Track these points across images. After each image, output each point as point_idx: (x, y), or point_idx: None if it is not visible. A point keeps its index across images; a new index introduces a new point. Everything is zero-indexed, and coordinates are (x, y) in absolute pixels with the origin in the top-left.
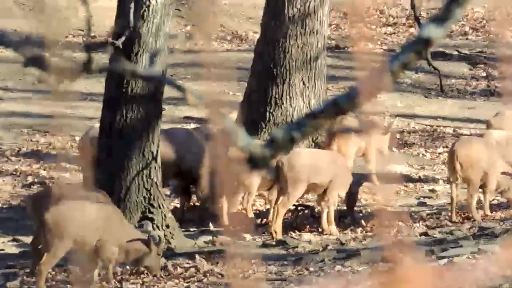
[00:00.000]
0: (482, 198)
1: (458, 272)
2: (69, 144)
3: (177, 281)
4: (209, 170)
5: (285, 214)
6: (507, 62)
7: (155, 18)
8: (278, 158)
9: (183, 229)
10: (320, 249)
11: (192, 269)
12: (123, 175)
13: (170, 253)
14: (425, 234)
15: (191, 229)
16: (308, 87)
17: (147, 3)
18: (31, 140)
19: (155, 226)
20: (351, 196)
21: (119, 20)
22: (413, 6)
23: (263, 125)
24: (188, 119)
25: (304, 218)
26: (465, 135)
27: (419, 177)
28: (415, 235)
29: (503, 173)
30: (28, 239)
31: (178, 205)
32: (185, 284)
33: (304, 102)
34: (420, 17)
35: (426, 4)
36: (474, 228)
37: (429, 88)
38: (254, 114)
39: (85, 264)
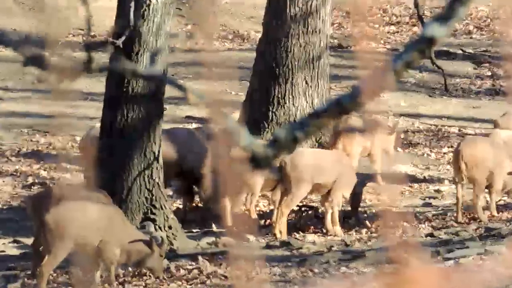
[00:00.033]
0: (488, 199)
1: (464, 273)
2: (70, 144)
3: (180, 283)
4: (212, 170)
5: (288, 215)
6: None
7: (155, 17)
8: (281, 158)
9: (185, 230)
10: (325, 250)
11: (195, 271)
12: (125, 175)
13: (172, 255)
14: (431, 235)
15: (194, 230)
16: (311, 86)
17: (148, 2)
18: (31, 140)
19: (157, 227)
20: (356, 197)
21: (119, 19)
22: (416, 5)
23: (266, 125)
24: (189, 118)
25: (308, 219)
26: (470, 134)
27: (424, 177)
28: (420, 236)
29: (510, 173)
30: (28, 241)
31: (181, 206)
32: (188, 286)
33: (307, 102)
34: (423, 16)
35: (429, 3)
36: (480, 229)
37: (433, 87)
38: (256, 113)
39: (86, 265)
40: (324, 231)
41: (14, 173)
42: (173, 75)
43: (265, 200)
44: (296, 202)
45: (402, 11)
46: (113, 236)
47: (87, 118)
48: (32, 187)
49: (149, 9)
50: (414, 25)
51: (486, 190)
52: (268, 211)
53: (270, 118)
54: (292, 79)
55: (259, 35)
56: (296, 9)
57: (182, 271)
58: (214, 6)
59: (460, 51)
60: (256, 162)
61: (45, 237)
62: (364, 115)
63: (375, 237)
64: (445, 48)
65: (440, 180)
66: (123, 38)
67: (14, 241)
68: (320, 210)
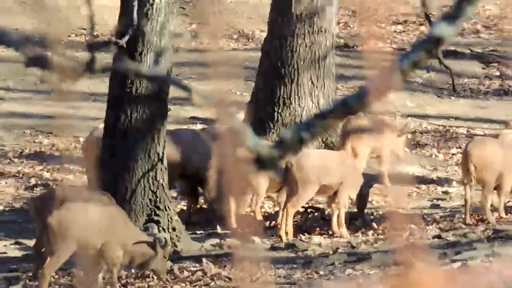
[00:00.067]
0: (496, 200)
1: (472, 276)
2: (73, 145)
3: (184, 285)
4: (217, 171)
5: (294, 216)
6: None
7: (159, 17)
8: (287, 159)
9: (189, 232)
10: (330, 252)
11: (199, 273)
12: (128, 176)
13: (176, 257)
14: (438, 236)
15: (198, 232)
16: (317, 86)
17: (151, 1)
18: (34, 141)
19: (161, 228)
20: (362, 198)
21: (123, 18)
22: (423, 4)
23: (271, 126)
24: (194, 119)
25: (314, 221)
26: (478, 135)
27: (432, 178)
28: (428, 238)
29: None
30: (31, 242)
31: (185, 207)
32: None
33: (313, 102)
34: (431, 15)
35: (437, 2)
36: (488, 230)
37: (441, 87)
38: (261, 114)
39: (89, 267)
40: (330, 233)
41: (17, 175)
42: (177, 75)
43: (270, 201)
44: (302, 203)
45: (409, 10)
46: (116, 237)
47: (90, 119)
48: (35, 188)
49: (152, 8)
50: (421, 25)
51: (495, 192)
52: (273, 212)
53: (276, 118)
54: (298, 79)
55: (264, 35)
56: (301, 8)
57: (186, 273)
58: (219, 5)
59: (468, 51)
60: (262, 163)
61: (47, 239)
62: (372, 115)
63: (381, 239)
64: (452, 48)
65: (448, 182)
66: (127, 37)
67: (16, 243)
68: (326, 212)
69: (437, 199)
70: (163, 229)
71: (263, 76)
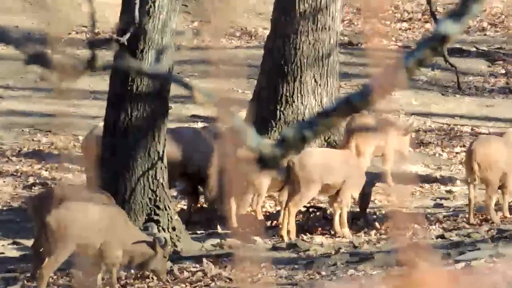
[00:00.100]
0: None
1: (475, 276)
2: (72, 144)
3: (184, 285)
4: (218, 170)
5: (296, 216)
6: None
7: (161, 14)
8: (289, 158)
9: (190, 232)
10: (333, 252)
11: (199, 273)
12: (128, 175)
13: (176, 257)
14: (442, 236)
15: (198, 232)
16: (320, 84)
17: None
18: (33, 140)
19: (160, 228)
20: (364, 197)
21: (124, 16)
22: (429, 1)
23: (274, 124)
24: (195, 117)
25: (315, 220)
26: (483, 134)
27: (436, 177)
28: (431, 237)
29: None
30: (29, 242)
31: (185, 207)
32: None
33: (316, 100)
34: (436, 12)
35: None
36: (492, 230)
37: (445, 85)
38: (264, 112)
39: (88, 268)
40: (332, 232)
41: (15, 173)
42: (179, 73)
43: (271, 201)
44: (304, 202)
45: (414, 7)
46: (116, 237)
47: (90, 117)
48: (33, 187)
49: (154, 5)
50: (426, 22)
51: (499, 191)
52: (274, 212)
53: (278, 117)
54: (301, 77)
55: (267, 32)
56: (305, 5)
57: (186, 274)
58: (221, 2)
59: (474, 49)
60: (264, 162)
61: (46, 239)
62: (377, 114)
63: (384, 239)
64: (458, 46)
65: (452, 181)
66: (128, 35)
67: (14, 243)
68: (328, 211)
69: (441, 199)
70: (163, 229)
71: (265, 74)
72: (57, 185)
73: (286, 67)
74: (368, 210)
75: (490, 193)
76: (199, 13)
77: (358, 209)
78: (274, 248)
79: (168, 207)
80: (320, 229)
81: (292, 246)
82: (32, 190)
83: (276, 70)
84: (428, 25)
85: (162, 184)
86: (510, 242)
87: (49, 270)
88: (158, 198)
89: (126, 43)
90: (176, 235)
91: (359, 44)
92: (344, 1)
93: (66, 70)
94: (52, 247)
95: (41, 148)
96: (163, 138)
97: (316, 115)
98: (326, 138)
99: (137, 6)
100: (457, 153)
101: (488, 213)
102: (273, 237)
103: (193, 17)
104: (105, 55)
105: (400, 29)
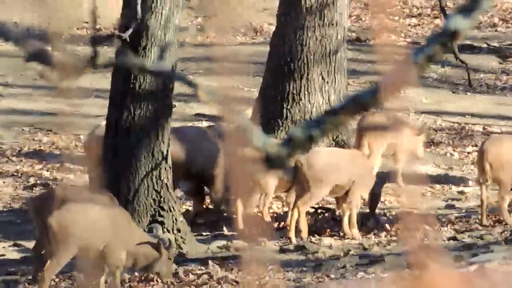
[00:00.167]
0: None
1: (486, 278)
2: (74, 144)
3: None
4: (223, 170)
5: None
6: None
7: (164, 10)
8: (297, 158)
9: (195, 233)
10: (342, 255)
11: (205, 276)
12: (131, 176)
13: (181, 259)
14: (454, 238)
15: (204, 233)
16: (327, 82)
17: None
18: (33, 139)
19: (165, 230)
20: (374, 198)
21: (126, 11)
22: None
23: (280, 123)
24: (199, 116)
25: (324, 222)
26: (495, 133)
27: (447, 178)
28: (442, 239)
29: None
30: (30, 244)
31: (190, 208)
32: None
33: (323, 98)
34: (446, 8)
35: None
36: (505, 232)
37: (456, 83)
38: (270, 111)
39: (91, 270)
40: (341, 234)
41: (15, 174)
42: (182, 71)
43: (279, 201)
44: (314, 201)
45: (424, 2)
46: (119, 239)
47: (92, 116)
48: (34, 188)
49: (157, 0)
50: (436, 17)
51: None
52: (282, 213)
53: (285, 115)
54: (308, 74)
55: (273, 28)
56: (311, 0)
57: (191, 276)
58: None
59: (485, 45)
60: (270, 162)
61: (47, 241)
62: (387, 112)
63: (394, 240)
64: (468, 42)
65: (463, 181)
66: (130, 31)
67: (15, 245)
68: (337, 212)
69: (452, 199)
70: (168, 230)
71: (271, 71)
72: (59, 185)
73: (292, 64)
74: (378, 211)
75: (503, 193)
76: (203, 9)
77: (367, 210)
78: (282, 250)
79: (173, 208)
80: (328, 230)
81: (300, 248)
82: (33, 191)
83: (282, 67)
84: (437, 21)
85: (166, 184)
86: None
87: (50, 272)
88: (162, 199)
89: (128, 40)
90: (181, 237)
91: (367, 40)
92: None
93: (67, 68)
94: (53, 249)
95: (42, 147)
96: (167, 138)
97: (323, 114)
98: (334, 137)
99: (139, 1)
100: (468, 152)
101: (501, 214)
102: (281, 238)
103: (196, 12)
104: (107, 52)
105: (409, 24)
